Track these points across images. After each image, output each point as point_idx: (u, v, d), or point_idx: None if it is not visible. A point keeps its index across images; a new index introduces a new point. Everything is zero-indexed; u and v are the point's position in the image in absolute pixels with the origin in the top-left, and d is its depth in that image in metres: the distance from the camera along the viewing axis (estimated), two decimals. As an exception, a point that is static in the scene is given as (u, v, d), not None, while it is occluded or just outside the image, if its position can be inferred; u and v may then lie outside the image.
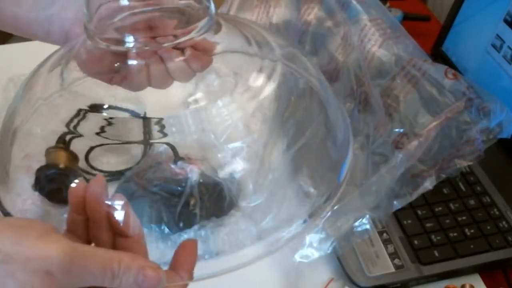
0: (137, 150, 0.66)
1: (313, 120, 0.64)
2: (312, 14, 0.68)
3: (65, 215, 0.39)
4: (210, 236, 0.60)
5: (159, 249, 0.59)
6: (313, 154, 0.63)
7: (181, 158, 0.64)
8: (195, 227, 0.60)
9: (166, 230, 0.60)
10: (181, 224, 0.60)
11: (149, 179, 0.63)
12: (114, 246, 0.35)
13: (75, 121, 0.66)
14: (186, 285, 0.35)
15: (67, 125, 0.65)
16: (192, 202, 0.61)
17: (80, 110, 0.50)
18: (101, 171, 0.66)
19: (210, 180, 0.63)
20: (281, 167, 0.63)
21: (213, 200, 0.62)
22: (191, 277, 0.35)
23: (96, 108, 0.48)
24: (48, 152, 0.61)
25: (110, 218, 0.34)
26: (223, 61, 0.44)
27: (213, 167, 0.64)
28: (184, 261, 0.35)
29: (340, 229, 0.56)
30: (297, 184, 0.62)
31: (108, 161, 0.67)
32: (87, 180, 0.66)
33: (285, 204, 0.61)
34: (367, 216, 0.57)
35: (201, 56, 0.40)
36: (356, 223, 0.57)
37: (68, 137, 0.65)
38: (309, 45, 0.69)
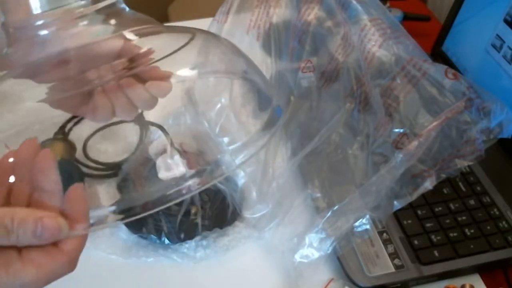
0: (133, 137, 0.66)
1: (324, 122, 0.63)
2: (312, 14, 0.68)
3: None
4: (212, 245, 0.60)
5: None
6: (324, 162, 0.62)
7: (177, 149, 0.63)
8: (197, 237, 0.59)
9: (166, 241, 0.59)
10: (182, 235, 0.59)
11: (146, 178, 0.62)
12: (30, 205, 0.34)
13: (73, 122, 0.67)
14: (86, 236, 0.34)
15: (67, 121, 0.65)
16: (193, 211, 0.60)
17: None
18: (98, 163, 0.66)
19: (211, 186, 0.62)
20: (287, 174, 0.63)
21: (215, 209, 0.61)
22: (88, 224, 0.34)
23: None
24: (43, 145, 0.61)
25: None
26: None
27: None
28: (76, 208, 0.34)
29: (340, 229, 0.56)
30: (305, 193, 0.62)
31: (106, 150, 0.67)
32: (85, 175, 0.66)
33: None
34: (367, 216, 0.57)
35: (160, 83, 0.41)
36: (356, 223, 0.57)
37: (69, 126, 0.65)
38: (309, 45, 0.69)
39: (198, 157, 0.64)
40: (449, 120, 0.57)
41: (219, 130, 0.63)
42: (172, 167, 0.60)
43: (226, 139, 0.61)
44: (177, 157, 0.61)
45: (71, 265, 0.33)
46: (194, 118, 0.64)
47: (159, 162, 0.61)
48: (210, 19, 0.69)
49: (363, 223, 0.57)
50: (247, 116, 0.63)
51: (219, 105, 0.64)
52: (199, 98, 0.63)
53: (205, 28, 0.68)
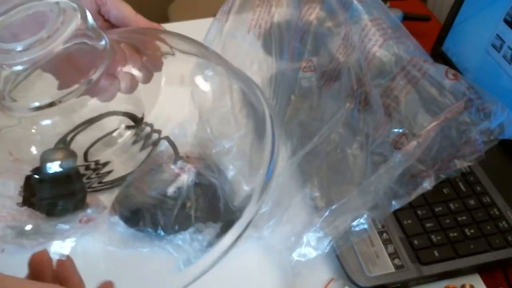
0: (137, 147, 0.66)
1: (324, 122, 0.63)
2: (314, 14, 0.68)
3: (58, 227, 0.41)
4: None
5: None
6: (323, 161, 0.63)
7: (181, 158, 0.64)
8: (191, 230, 0.60)
9: (162, 233, 0.60)
10: (176, 227, 0.60)
11: (148, 183, 0.63)
12: None
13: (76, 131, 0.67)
14: None
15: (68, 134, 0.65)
16: (188, 204, 0.61)
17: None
18: (103, 180, 0.66)
19: (205, 181, 0.63)
20: (286, 173, 0.63)
21: (207, 202, 0.62)
22: None
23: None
24: (44, 155, 0.61)
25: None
26: None
27: (209, 165, 0.64)
28: None
29: (338, 229, 0.56)
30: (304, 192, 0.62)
31: (109, 158, 0.67)
32: (88, 179, 0.66)
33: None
34: (365, 216, 0.57)
35: (155, 58, 0.45)
36: (354, 223, 0.57)
37: (70, 136, 0.65)
38: (310, 45, 0.69)
39: (200, 161, 0.64)
40: (449, 120, 0.57)
41: (220, 134, 0.64)
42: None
43: (225, 143, 0.62)
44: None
45: None
46: (199, 125, 0.64)
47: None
48: (210, 19, 0.69)
49: (361, 223, 0.57)
50: (242, 118, 0.63)
51: (220, 110, 0.64)
52: (201, 104, 0.63)
53: (205, 27, 0.69)
